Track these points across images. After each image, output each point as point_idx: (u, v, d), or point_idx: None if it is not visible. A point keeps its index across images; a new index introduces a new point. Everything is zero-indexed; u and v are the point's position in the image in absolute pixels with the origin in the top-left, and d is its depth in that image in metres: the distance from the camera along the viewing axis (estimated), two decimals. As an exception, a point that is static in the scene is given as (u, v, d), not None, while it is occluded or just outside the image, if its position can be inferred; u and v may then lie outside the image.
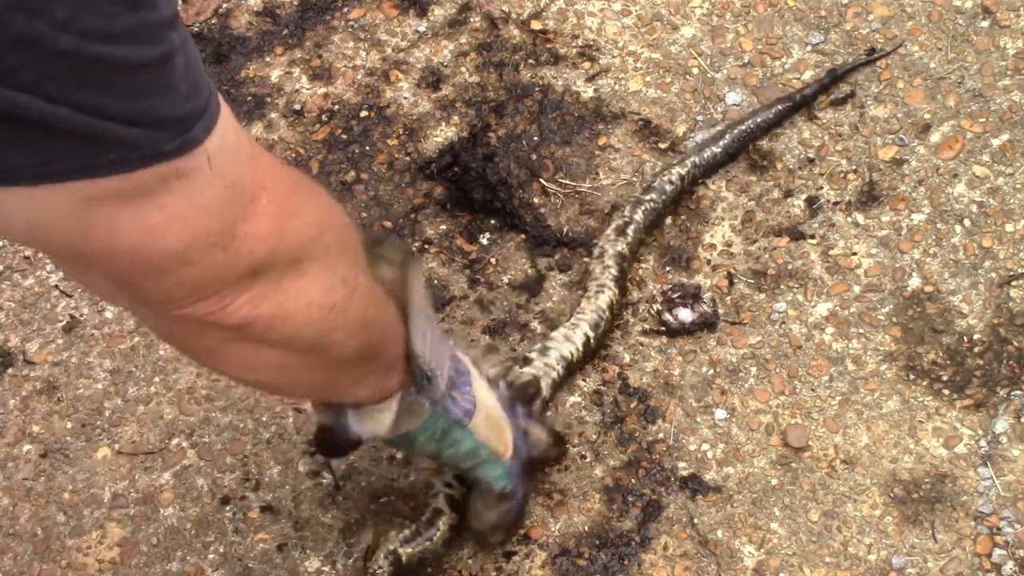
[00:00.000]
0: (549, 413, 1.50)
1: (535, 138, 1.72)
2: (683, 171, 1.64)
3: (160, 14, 0.75)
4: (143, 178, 0.77)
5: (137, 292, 0.88)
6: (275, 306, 0.90)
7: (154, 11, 0.75)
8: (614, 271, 1.57)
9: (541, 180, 1.69)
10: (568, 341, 1.52)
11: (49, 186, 0.74)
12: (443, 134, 1.73)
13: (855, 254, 1.62)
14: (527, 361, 1.50)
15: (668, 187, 1.63)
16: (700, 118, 1.73)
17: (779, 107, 1.70)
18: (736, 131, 1.68)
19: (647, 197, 1.62)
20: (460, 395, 1.24)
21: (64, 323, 1.64)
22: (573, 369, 1.54)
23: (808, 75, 1.74)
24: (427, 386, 1.18)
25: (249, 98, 1.77)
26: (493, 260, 1.65)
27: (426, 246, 1.66)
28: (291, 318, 0.92)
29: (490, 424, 1.29)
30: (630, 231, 1.60)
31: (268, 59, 1.80)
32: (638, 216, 1.61)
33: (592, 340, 1.53)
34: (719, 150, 1.67)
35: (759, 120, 1.69)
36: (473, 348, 1.47)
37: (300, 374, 1.02)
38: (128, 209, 0.78)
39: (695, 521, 1.47)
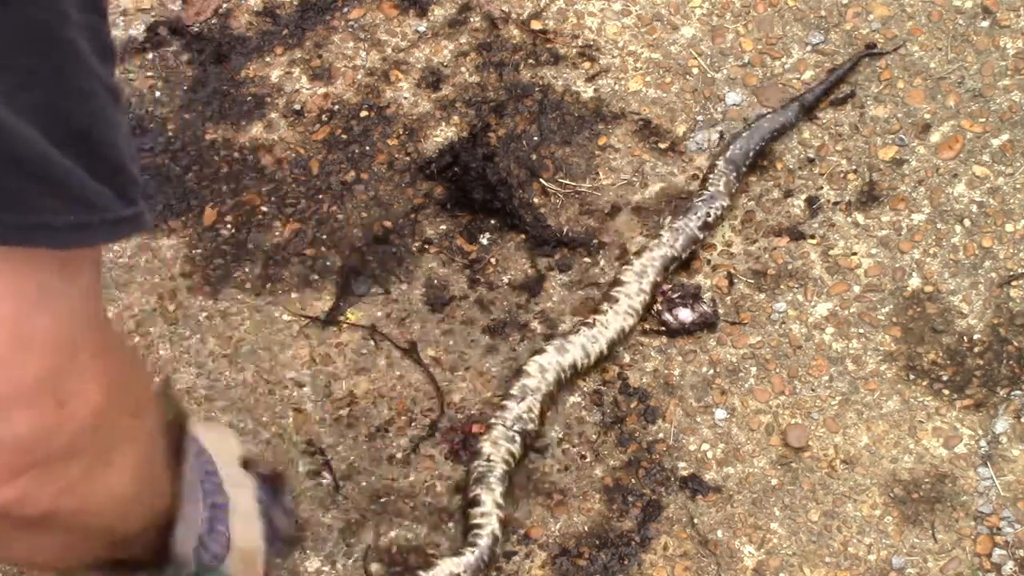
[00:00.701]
0: (288, 497, 1.34)
1: (535, 138, 1.72)
2: (729, 202, 1.64)
3: (111, 35, 0.67)
4: (82, 259, 0.67)
5: None
6: (80, 500, 0.78)
7: (108, 29, 0.67)
8: (647, 298, 1.57)
9: (541, 180, 1.69)
10: (585, 353, 1.52)
11: None
12: (443, 134, 1.73)
13: (855, 254, 1.62)
14: (539, 352, 1.51)
15: (715, 214, 1.63)
16: (700, 118, 1.73)
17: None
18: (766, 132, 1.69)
19: (701, 236, 1.61)
20: (213, 540, 1.08)
21: (64, 323, 1.64)
22: (578, 375, 1.54)
23: (808, 75, 1.74)
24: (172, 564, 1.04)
25: (249, 98, 1.77)
26: (493, 260, 1.65)
27: (426, 246, 1.66)
28: (93, 510, 0.81)
29: (242, 559, 1.15)
30: (672, 268, 1.60)
31: (268, 59, 1.81)
32: (680, 248, 1.60)
33: (604, 354, 1.54)
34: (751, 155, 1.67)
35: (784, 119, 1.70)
36: (219, 433, 1.27)
37: (76, 553, 0.89)
38: (33, 298, 0.66)
39: (695, 521, 1.47)
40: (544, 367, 1.50)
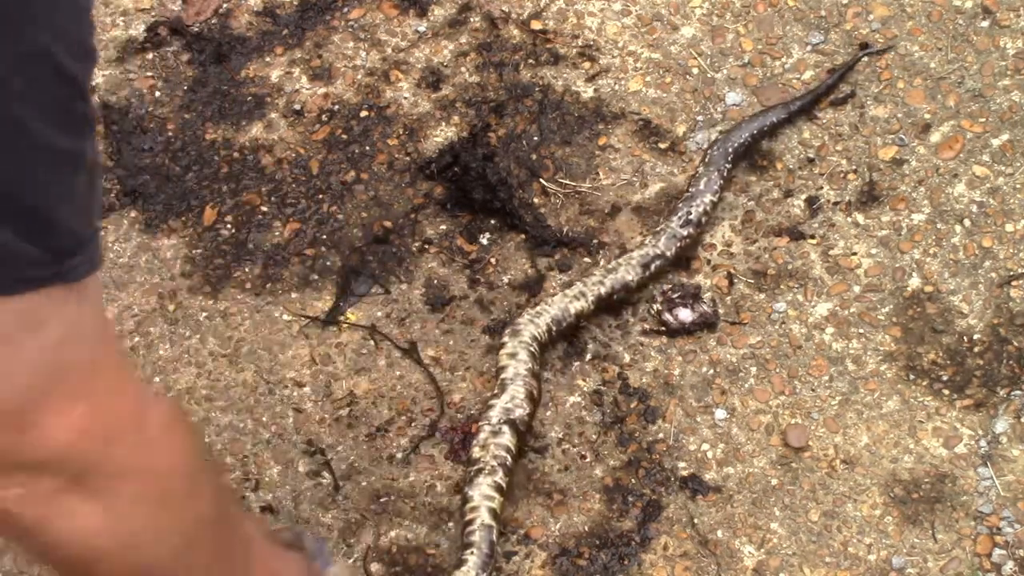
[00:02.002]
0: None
1: (535, 138, 1.72)
2: (715, 198, 1.64)
3: (90, 106, 0.71)
4: (26, 305, 0.71)
5: None
6: (36, 517, 0.80)
7: (86, 102, 0.71)
8: (604, 290, 1.56)
9: (541, 180, 1.69)
10: (536, 326, 1.53)
11: None
12: (443, 134, 1.73)
13: (855, 254, 1.62)
14: (501, 345, 1.52)
15: (697, 211, 1.63)
16: (700, 118, 1.73)
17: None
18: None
19: (684, 232, 1.61)
20: None
21: (64, 323, 1.64)
22: (542, 347, 1.54)
23: (808, 75, 1.74)
24: None
25: (249, 98, 1.77)
26: (493, 260, 1.65)
27: (426, 246, 1.66)
28: (53, 531, 0.82)
29: None
30: (654, 266, 1.59)
31: (268, 59, 1.81)
32: (667, 249, 1.60)
33: (552, 335, 1.54)
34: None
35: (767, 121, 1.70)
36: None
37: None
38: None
39: (695, 521, 1.47)
40: (511, 353, 1.51)
